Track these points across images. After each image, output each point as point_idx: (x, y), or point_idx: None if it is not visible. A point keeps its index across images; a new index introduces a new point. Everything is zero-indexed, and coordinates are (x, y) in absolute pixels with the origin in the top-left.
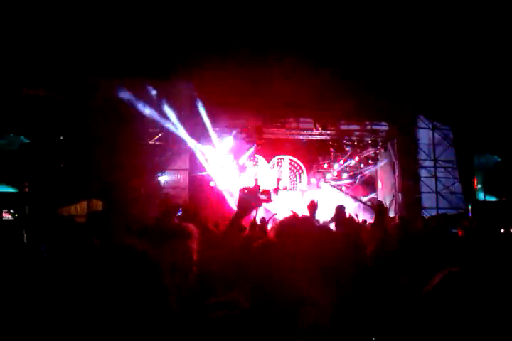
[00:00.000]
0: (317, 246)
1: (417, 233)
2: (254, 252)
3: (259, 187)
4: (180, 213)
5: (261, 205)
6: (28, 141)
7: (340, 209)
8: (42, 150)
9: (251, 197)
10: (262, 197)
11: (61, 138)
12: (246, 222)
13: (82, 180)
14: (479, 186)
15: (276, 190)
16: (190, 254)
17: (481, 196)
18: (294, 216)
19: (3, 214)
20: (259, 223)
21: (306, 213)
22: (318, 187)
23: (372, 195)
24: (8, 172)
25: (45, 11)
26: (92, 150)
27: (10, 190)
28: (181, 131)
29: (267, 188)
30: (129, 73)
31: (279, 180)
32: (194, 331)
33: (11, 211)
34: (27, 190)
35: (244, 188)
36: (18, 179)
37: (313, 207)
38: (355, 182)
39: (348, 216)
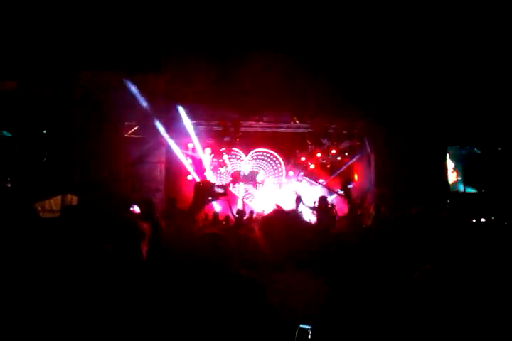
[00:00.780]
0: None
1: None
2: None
3: (214, 182)
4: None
5: (217, 199)
6: (10, 135)
7: (322, 200)
8: (24, 145)
9: (206, 191)
10: (218, 190)
11: (44, 131)
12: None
13: (57, 175)
14: (459, 178)
15: (255, 184)
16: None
17: (460, 188)
18: (279, 209)
19: None
20: (236, 216)
21: (290, 206)
22: (298, 180)
23: (350, 187)
24: None
25: (17, 2)
26: (67, 144)
27: None
28: (157, 125)
29: (224, 183)
30: (106, 67)
31: (259, 183)
32: None
33: None
34: (9, 184)
35: (199, 182)
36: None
37: (298, 199)
38: (331, 174)
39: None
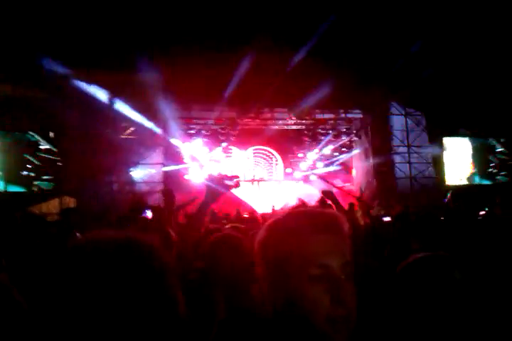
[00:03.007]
0: None
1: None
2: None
3: (225, 174)
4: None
5: (229, 191)
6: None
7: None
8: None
9: (217, 184)
10: (229, 183)
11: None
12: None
13: (54, 178)
14: (475, 170)
15: (252, 182)
16: None
17: (476, 179)
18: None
19: None
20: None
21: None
22: (305, 178)
23: (348, 184)
24: None
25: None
26: (63, 146)
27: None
28: (154, 125)
29: (235, 174)
30: (100, 66)
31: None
32: None
33: None
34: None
35: (210, 175)
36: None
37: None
38: (330, 170)
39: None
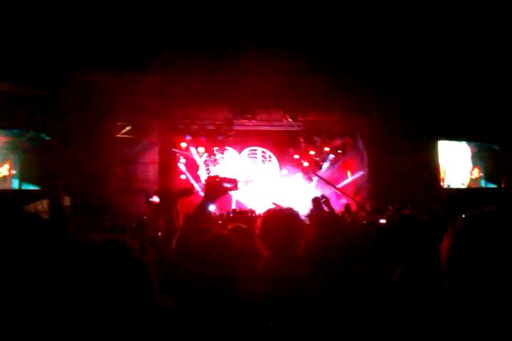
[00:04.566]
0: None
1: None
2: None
3: (224, 176)
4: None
5: (227, 193)
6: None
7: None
8: None
9: (216, 186)
10: (228, 185)
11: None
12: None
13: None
14: (481, 174)
15: (247, 182)
16: None
17: (482, 183)
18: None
19: None
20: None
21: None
22: (309, 179)
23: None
24: None
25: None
26: (60, 144)
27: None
28: (150, 124)
29: (234, 177)
30: (98, 66)
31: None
32: None
33: None
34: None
35: (209, 177)
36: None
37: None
38: (326, 171)
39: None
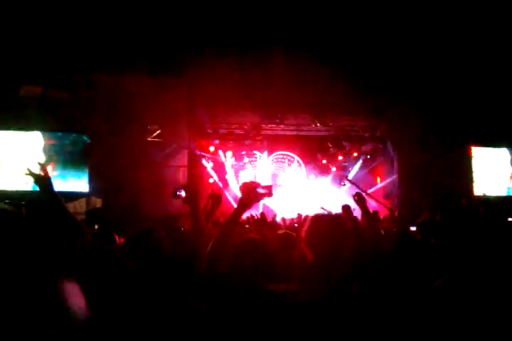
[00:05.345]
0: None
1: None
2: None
3: (259, 183)
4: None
5: (262, 199)
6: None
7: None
8: None
9: (251, 192)
10: (263, 191)
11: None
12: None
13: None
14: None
15: (275, 187)
16: None
17: (509, 191)
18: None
19: None
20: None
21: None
22: (342, 184)
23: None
24: None
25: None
26: (91, 147)
27: None
28: (179, 128)
29: (268, 183)
30: (128, 70)
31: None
32: None
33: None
34: None
35: (244, 183)
36: None
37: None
38: (352, 177)
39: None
